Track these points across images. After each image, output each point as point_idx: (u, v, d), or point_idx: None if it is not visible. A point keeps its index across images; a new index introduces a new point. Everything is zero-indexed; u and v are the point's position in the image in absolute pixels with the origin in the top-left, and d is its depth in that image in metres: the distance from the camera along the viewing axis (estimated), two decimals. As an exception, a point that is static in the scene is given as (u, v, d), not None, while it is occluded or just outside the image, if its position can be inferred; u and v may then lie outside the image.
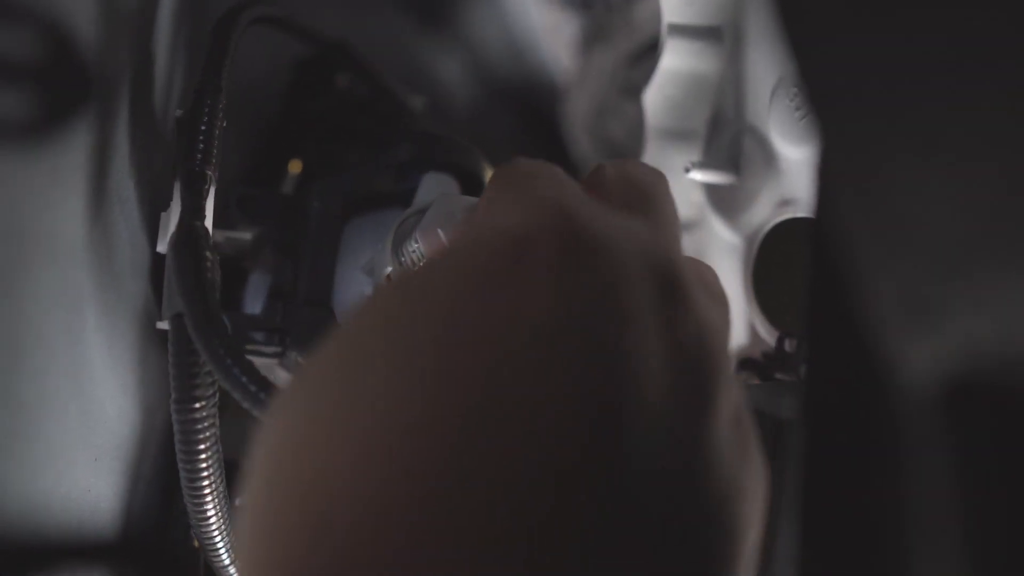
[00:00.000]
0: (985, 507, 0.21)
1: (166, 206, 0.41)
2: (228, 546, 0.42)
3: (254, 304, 0.47)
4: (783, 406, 0.35)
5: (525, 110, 0.73)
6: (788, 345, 0.42)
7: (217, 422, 0.40)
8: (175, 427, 0.39)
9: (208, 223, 0.41)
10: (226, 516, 0.41)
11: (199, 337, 0.36)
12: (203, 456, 0.40)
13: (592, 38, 0.66)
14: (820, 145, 0.24)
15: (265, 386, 0.36)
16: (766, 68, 0.45)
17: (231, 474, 0.47)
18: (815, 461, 0.25)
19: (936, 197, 0.20)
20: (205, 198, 0.40)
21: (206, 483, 0.40)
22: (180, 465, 0.40)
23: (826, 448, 0.25)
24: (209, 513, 0.41)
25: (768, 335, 0.46)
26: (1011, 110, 0.19)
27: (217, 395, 0.40)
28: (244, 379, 0.36)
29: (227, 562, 0.42)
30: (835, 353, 0.26)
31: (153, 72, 0.43)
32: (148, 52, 0.42)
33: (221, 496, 0.41)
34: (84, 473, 0.39)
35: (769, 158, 0.45)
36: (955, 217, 0.20)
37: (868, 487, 0.24)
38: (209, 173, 0.41)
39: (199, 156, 0.40)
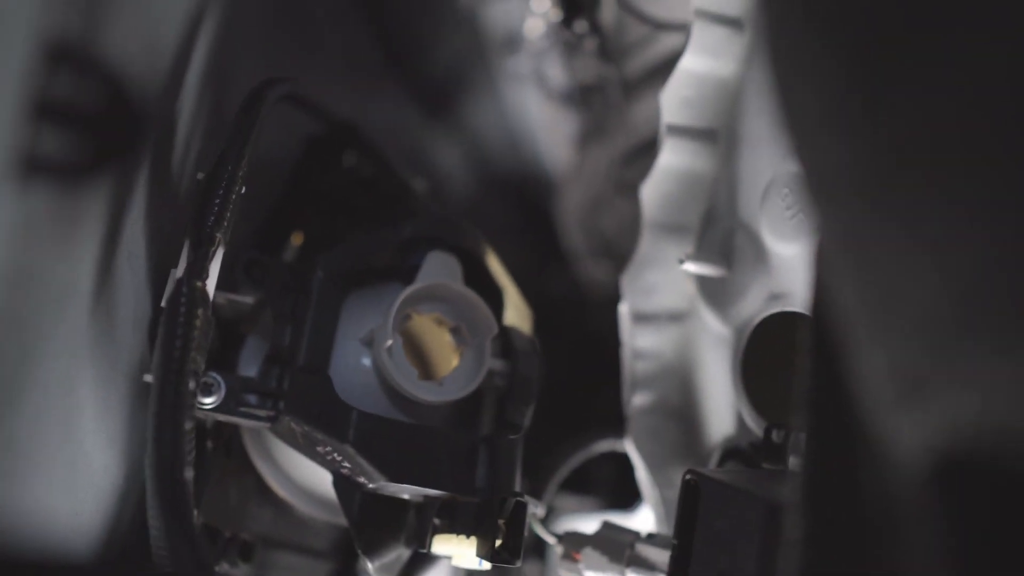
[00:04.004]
0: None
1: (177, 264, 0.42)
2: None
3: (248, 367, 0.47)
4: (772, 492, 0.36)
5: (520, 200, 0.75)
6: (776, 435, 0.43)
7: (191, 482, 0.39)
8: (147, 483, 0.38)
9: (211, 284, 0.41)
10: None
11: (157, 393, 0.36)
12: None
13: (589, 135, 0.69)
14: (815, 232, 0.25)
15: (179, 457, 0.35)
16: (759, 169, 0.47)
17: (207, 539, 0.47)
18: (813, 543, 0.26)
19: (922, 281, 0.21)
20: (210, 260, 0.41)
21: None
22: (151, 523, 0.39)
23: (822, 530, 0.26)
24: None
25: (756, 426, 0.47)
26: (990, 201, 0.20)
27: (194, 455, 0.39)
28: (169, 450, 0.35)
29: None
30: (830, 435, 0.27)
31: (175, 137, 0.45)
32: (172, 118, 0.44)
33: None
34: (63, 527, 0.39)
35: (760, 253, 0.47)
36: (940, 297, 0.21)
37: (864, 567, 0.25)
38: (219, 236, 0.41)
39: (211, 219, 0.42)
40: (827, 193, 0.24)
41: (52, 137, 0.30)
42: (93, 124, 0.33)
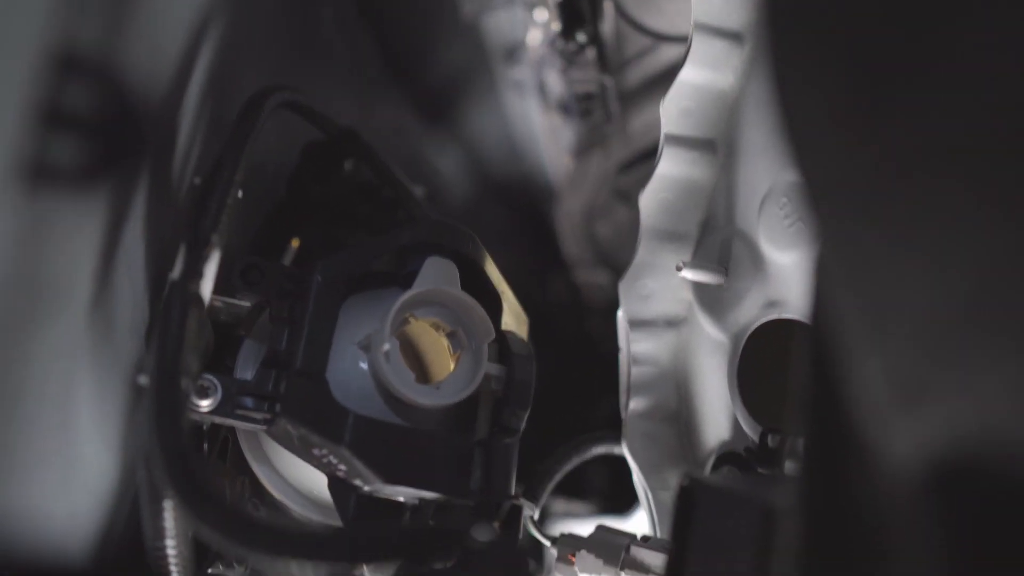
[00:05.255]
0: None
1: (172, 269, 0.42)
2: None
3: (245, 371, 0.47)
4: (767, 498, 0.36)
5: (519, 207, 0.76)
6: (771, 441, 0.43)
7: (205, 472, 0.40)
8: (140, 483, 0.39)
9: (206, 287, 0.42)
10: None
11: (151, 396, 0.37)
12: (167, 515, 0.39)
13: (588, 144, 0.69)
14: (814, 241, 0.25)
15: (184, 457, 0.35)
16: (757, 178, 0.48)
17: (199, 544, 0.47)
18: (810, 550, 0.26)
19: (921, 288, 0.22)
20: (205, 263, 0.41)
21: (169, 543, 0.39)
22: (144, 523, 0.39)
23: (818, 537, 0.26)
24: (172, 574, 0.40)
25: (751, 431, 0.47)
26: (989, 208, 0.20)
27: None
28: (169, 439, 0.36)
29: None
30: (828, 442, 0.27)
31: (176, 143, 0.45)
32: (174, 124, 0.44)
33: (185, 560, 0.40)
34: (59, 530, 0.39)
35: (757, 261, 0.47)
36: (937, 304, 0.21)
37: (860, 574, 0.25)
38: (214, 239, 0.42)
39: (208, 222, 0.42)
40: (827, 202, 0.24)
41: (57, 143, 0.30)
42: (96, 130, 0.34)
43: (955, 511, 0.21)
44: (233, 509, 0.34)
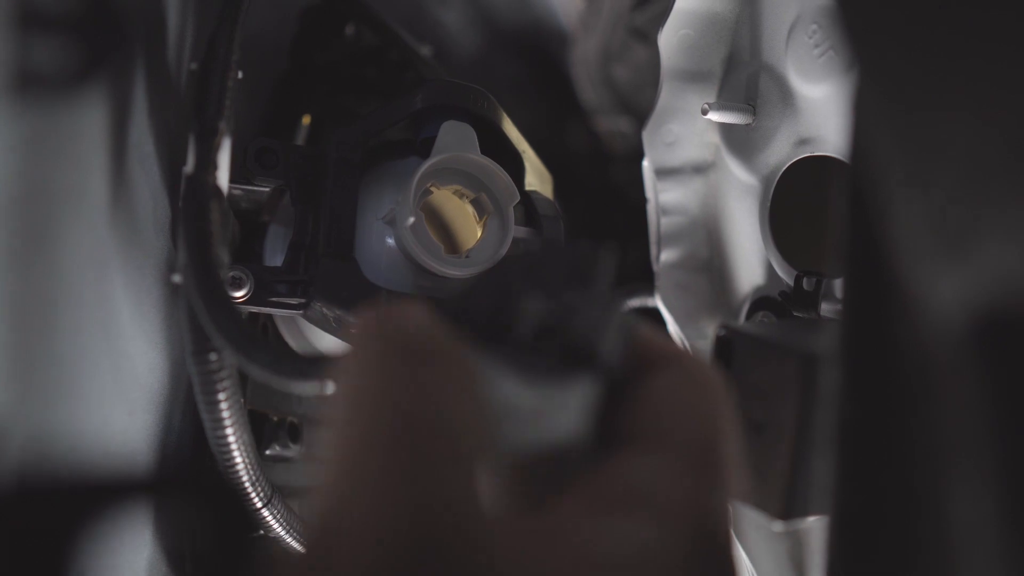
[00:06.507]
0: (1019, 442, 0.21)
1: (185, 162, 0.41)
2: (258, 491, 0.43)
3: (274, 257, 0.47)
4: (804, 344, 0.36)
5: (532, 56, 0.72)
6: (806, 283, 0.43)
7: (235, 372, 0.41)
8: (193, 379, 0.40)
9: (223, 176, 0.41)
10: (253, 462, 0.42)
11: (195, 292, 0.37)
12: (223, 405, 0.41)
13: (599, -21, 0.65)
14: (853, 73, 0.24)
15: (252, 338, 0.37)
16: (783, 6, 0.44)
17: (256, 424, 0.49)
18: (850, 397, 0.26)
19: (969, 123, 0.20)
20: (216, 152, 0.40)
21: (229, 431, 0.41)
22: (202, 415, 0.41)
23: (861, 384, 0.25)
24: (236, 460, 0.42)
25: (786, 274, 0.46)
26: None
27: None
28: (231, 329, 0.37)
29: (259, 505, 0.43)
30: (868, 287, 0.26)
31: (166, 27, 0.43)
32: (161, 9, 0.42)
33: (246, 444, 0.42)
34: (120, 426, 0.40)
35: (786, 97, 0.45)
36: (985, 142, 0.20)
37: (903, 421, 0.25)
38: (221, 126, 0.41)
39: (212, 109, 0.41)
40: (864, 26, 0.22)
41: (39, 49, 0.29)
42: (78, 28, 0.32)
43: (1003, 362, 0.21)
44: (318, 359, 0.36)
